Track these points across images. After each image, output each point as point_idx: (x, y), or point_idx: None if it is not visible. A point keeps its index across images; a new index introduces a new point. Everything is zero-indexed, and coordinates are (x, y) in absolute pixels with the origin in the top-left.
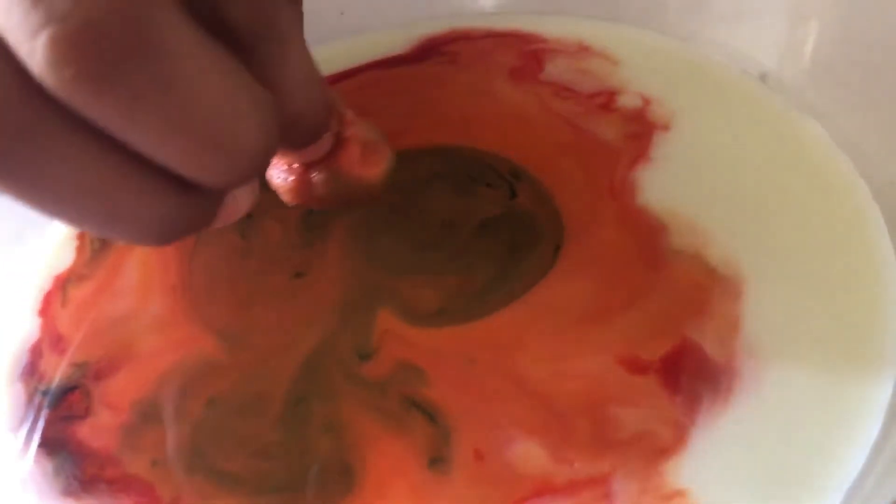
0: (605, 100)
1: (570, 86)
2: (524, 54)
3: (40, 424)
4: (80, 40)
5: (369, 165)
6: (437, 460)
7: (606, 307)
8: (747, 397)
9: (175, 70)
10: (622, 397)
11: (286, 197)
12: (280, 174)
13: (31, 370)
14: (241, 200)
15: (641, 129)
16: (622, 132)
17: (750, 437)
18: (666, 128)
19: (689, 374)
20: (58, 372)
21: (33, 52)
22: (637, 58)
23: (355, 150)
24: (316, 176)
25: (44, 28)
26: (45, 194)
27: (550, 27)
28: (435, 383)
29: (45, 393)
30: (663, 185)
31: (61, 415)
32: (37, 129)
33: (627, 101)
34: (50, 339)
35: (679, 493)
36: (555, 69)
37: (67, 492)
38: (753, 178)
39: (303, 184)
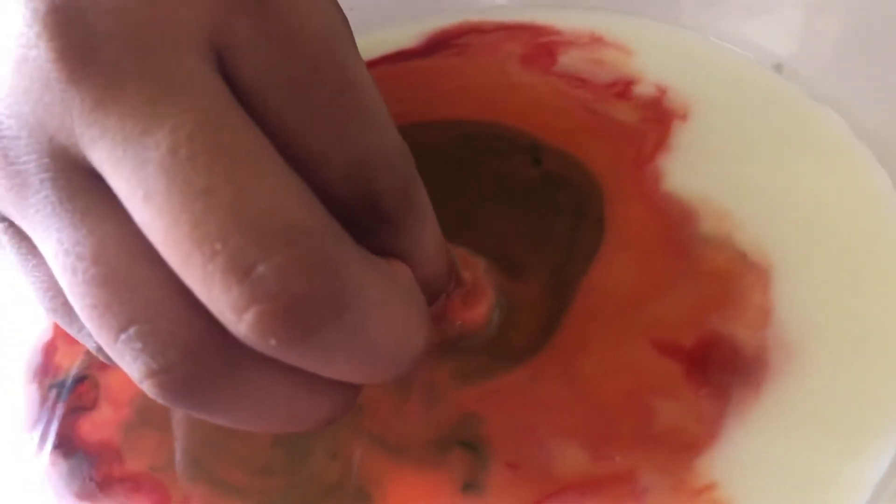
0: (622, 89)
1: (584, 76)
2: (537, 45)
3: (55, 424)
4: (286, 316)
5: (472, 306)
6: (471, 485)
7: (646, 290)
8: (777, 390)
9: (364, 317)
10: (658, 388)
11: None
12: None
13: (45, 369)
14: None
15: (659, 116)
16: (640, 117)
17: (779, 429)
18: (683, 117)
19: (720, 367)
20: (70, 363)
21: (238, 323)
22: (651, 48)
23: (457, 296)
24: None
25: (250, 306)
26: (233, 418)
27: (562, 20)
28: (488, 422)
29: (56, 386)
30: (685, 173)
31: (72, 406)
32: (231, 371)
33: (643, 90)
34: (64, 334)
35: (709, 487)
36: (568, 60)
37: (83, 493)
38: (773, 167)
39: None
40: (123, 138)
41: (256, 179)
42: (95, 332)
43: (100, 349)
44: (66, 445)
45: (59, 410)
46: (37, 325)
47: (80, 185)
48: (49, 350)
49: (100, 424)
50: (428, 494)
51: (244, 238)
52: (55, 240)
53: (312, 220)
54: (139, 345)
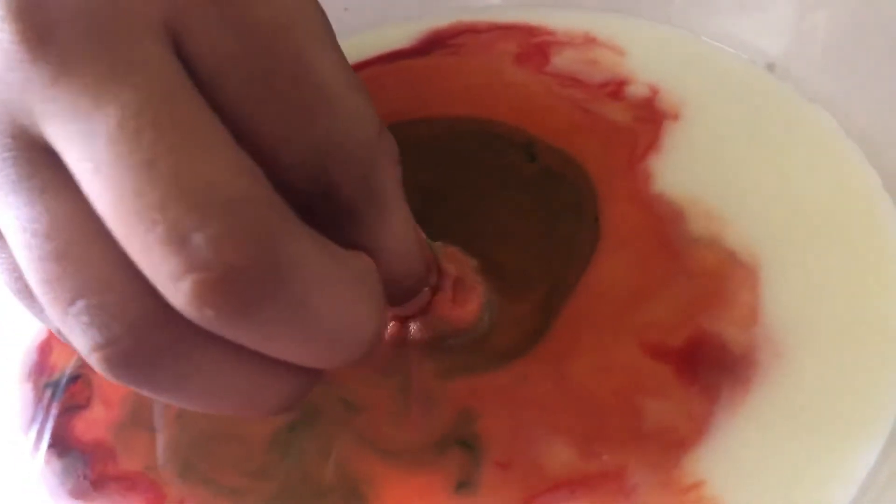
0: (614, 89)
1: (577, 76)
2: (530, 45)
3: (49, 423)
4: (221, 287)
5: (462, 304)
6: (465, 484)
7: (638, 291)
8: (765, 388)
9: (304, 293)
10: (646, 388)
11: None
12: None
13: (40, 369)
14: None
15: (651, 116)
16: (632, 117)
17: (767, 427)
18: (675, 117)
19: (709, 365)
20: (65, 362)
21: (175, 293)
22: (644, 48)
23: (447, 293)
24: (412, 326)
25: (187, 275)
26: (180, 396)
27: (556, 20)
28: (481, 419)
29: (51, 385)
30: (676, 173)
31: (66, 406)
32: (176, 346)
33: (636, 90)
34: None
35: (697, 486)
36: (562, 61)
37: (77, 492)
38: (764, 167)
39: (399, 334)
40: (75, 113)
41: (200, 153)
42: (48, 308)
43: (59, 329)
44: (61, 444)
45: (54, 409)
46: (32, 324)
47: (39, 164)
48: (44, 349)
49: (93, 423)
50: (422, 495)
51: (182, 208)
52: (13, 217)
53: (253, 193)
54: (86, 318)
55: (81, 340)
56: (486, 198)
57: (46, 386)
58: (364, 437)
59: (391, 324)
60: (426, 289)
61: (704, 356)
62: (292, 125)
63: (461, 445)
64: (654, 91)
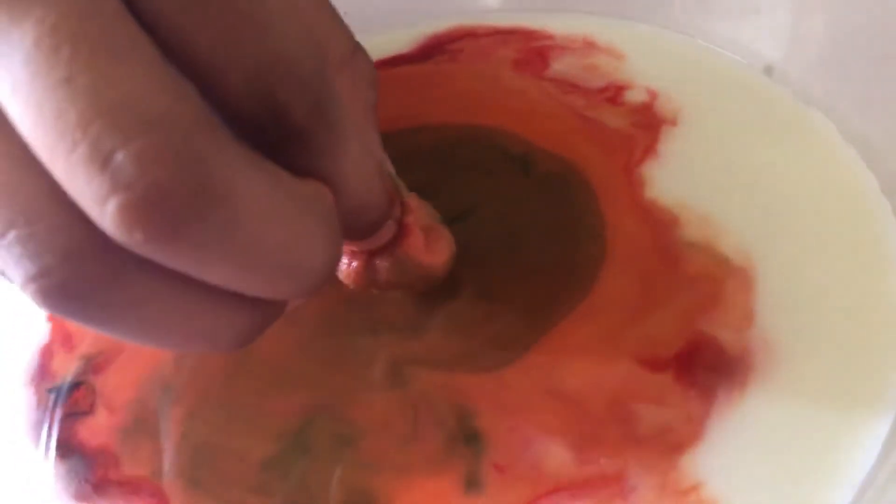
0: (613, 94)
1: (576, 82)
2: (530, 50)
3: (52, 426)
4: (146, 207)
5: (435, 253)
6: (472, 482)
7: (635, 304)
8: (761, 390)
9: (238, 216)
10: (642, 394)
11: (347, 281)
12: (343, 259)
13: (42, 372)
14: None
15: (649, 122)
16: (630, 122)
17: (764, 429)
18: (673, 122)
19: (705, 368)
20: (66, 369)
21: (102, 216)
22: (643, 53)
23: (419, 237)
24: (380, 262)
25: (111, 196)
26: (122, 329)
27: (555, 24)
28: (482, 413)
29: (53, 391)
30: (672, 179)
31: (69, 412)
32: (114, 276)
33: (634, 95)
34: (60, 339)
35: (695, 488)
36: (561, 66)
37: (79, 495)
38: (761, 171)
39: (366, 270)
40: None
41: (119, 67)
42: None
43: None
44: (64, 448)
45: (57, 414)
46: (34, 331)
47: None
48: (45, 353)
49: (97, 429)
50: (434, 499)
51: (103, 126)
52: None
53: (179, 110)
54: (18, 249)
55: (16, 273)
56: (483, 206)
57: (49, 391)
58: (365, 462)
59: (355, 262)
60: (390, 222)
61: (702, 359)
62: (234, 46)
63: (467, 440)
64: (653, 95)
